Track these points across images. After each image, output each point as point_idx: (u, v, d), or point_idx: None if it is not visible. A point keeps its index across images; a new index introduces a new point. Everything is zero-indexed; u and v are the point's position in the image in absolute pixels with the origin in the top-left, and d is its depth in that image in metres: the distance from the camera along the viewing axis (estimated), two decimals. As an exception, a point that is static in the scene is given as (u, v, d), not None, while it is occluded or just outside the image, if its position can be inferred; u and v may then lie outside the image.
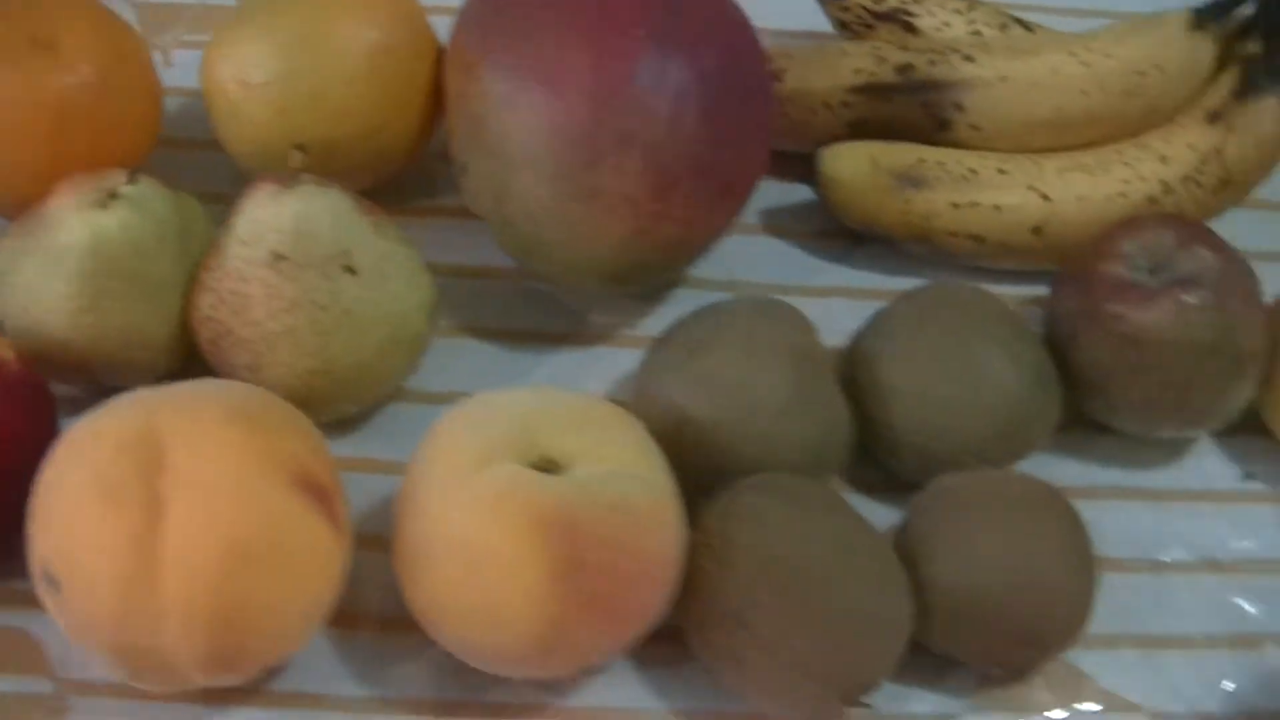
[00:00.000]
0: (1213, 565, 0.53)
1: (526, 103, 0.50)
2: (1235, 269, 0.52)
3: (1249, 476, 0.55)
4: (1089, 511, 0.53)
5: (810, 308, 0.54)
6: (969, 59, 0.56)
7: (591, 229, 0.50)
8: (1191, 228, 0.52)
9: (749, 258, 0.58)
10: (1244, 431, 0.56)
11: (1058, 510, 0.49)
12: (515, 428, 0.45)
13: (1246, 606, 0.52)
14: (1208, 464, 0.55)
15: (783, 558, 0.46)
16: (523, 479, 0.44)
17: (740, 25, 0.53)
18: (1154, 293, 0.51)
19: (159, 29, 0.61)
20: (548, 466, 0.45)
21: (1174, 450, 0.56)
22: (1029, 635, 0.48)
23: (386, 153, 0.54)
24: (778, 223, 0.59)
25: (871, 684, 0.47)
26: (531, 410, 0.46)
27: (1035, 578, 0.47)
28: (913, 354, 0.51)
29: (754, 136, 0.53)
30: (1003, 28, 0.59)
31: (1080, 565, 0.48)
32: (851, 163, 0.56)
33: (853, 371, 0.52)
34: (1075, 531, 0.49)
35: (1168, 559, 0.53)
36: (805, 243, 0.59)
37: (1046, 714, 0.49)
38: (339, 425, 0.52)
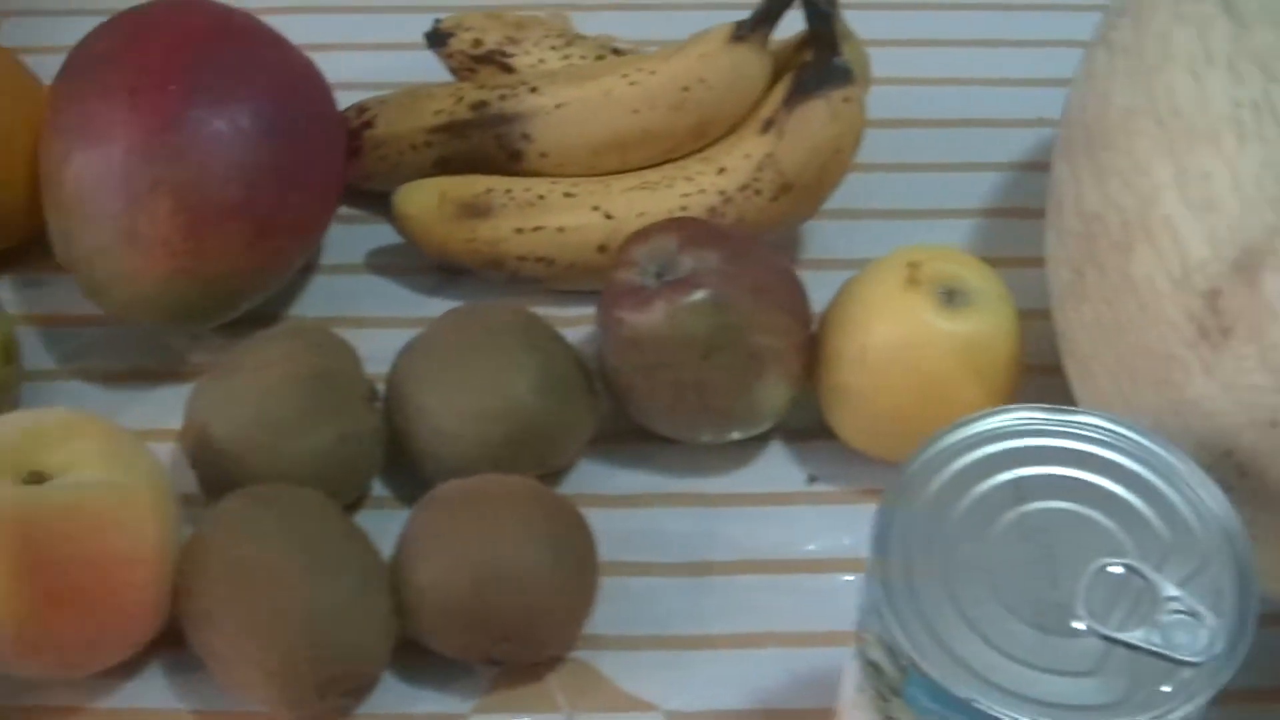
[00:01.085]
0: (758, 566, 0.53)
1: (77, 158, 0.55)
2: (748, 269, 0.52)
3: (812, 480, 0.55)
4: (640, 518, 0.54)
5: (399, 338, 0.56)
6: (534, 90, 0.58)
7: (135, 269, 0.54)
8: (700, 230, 0.52)
9: (350, 295, 0.61)
10: (813, 436, 0.55)
11: (543, 509, 0.50)
12: (11, 444, 0.50)
13: (791, 607, 0.52)
14: (773, 468, 0.55)
15: (244, 557, 0.48)
16: (-9, 489, 0.48)
17: (301, 79, 0.57)
18: (651, 294, 0.51)
19: None
20: (37, 479, 0.49)
21: (741, 457, 0.56)
22: (503, 630, 0.49)
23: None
24: (381, 261, 0.62)
25: (348, 681, 0.49)
26: (28, 429, 0.50)
27: (503, 572, 0.48)
28: (430, 368, 0.53)
29: (303, 181, 0.56)
30: (599, 59, 0.61)
31: (563, 562, 0.49)
32: (420, 197, 0.58)
33: (389, 389, 0.54)
34: (564, 529, 0.50)
35: (713, 562, 0.53)
36: (406, 278, 0.61)
37: (556, 714, 0.50)
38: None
